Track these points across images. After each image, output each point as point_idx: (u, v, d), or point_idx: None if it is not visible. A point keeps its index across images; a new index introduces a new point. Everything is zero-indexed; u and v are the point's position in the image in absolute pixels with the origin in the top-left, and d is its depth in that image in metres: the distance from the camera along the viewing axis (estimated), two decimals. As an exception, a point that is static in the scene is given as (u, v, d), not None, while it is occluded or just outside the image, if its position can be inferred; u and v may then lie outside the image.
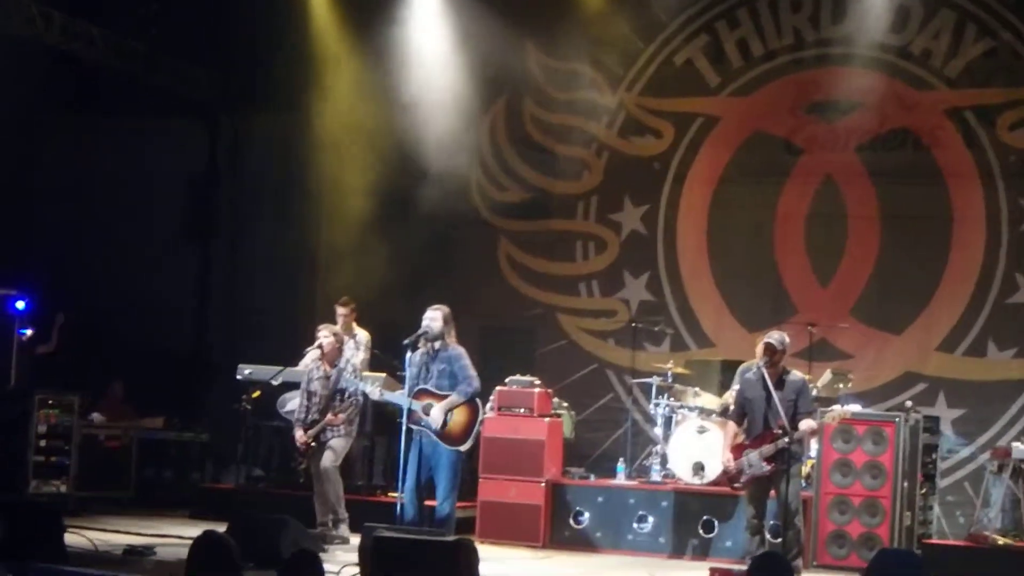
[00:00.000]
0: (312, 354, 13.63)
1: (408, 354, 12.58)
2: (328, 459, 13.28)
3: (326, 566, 11.29)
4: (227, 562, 5.87)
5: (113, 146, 18.21)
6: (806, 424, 12.00)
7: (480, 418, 12.83)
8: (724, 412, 13.76)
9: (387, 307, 15.47)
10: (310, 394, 13.39)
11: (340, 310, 14.55)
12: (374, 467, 14.88)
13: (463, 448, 12.68)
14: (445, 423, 12.46)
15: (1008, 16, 15.42)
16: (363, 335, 14.63)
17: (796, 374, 12.34)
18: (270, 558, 10.18)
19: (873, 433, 13.04)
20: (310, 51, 16.86)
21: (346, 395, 13.22)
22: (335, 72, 16.75)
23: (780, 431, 11.88)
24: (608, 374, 16.52)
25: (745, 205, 16.36)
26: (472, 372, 12.66)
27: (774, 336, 12.20)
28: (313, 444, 13.25)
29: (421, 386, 12.56)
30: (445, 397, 12.51)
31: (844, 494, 13.04)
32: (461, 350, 12.75)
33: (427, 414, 12.44)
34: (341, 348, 13.55)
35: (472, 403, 12.64)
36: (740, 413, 12.37)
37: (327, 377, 13.30)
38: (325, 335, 13.42)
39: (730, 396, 13.66)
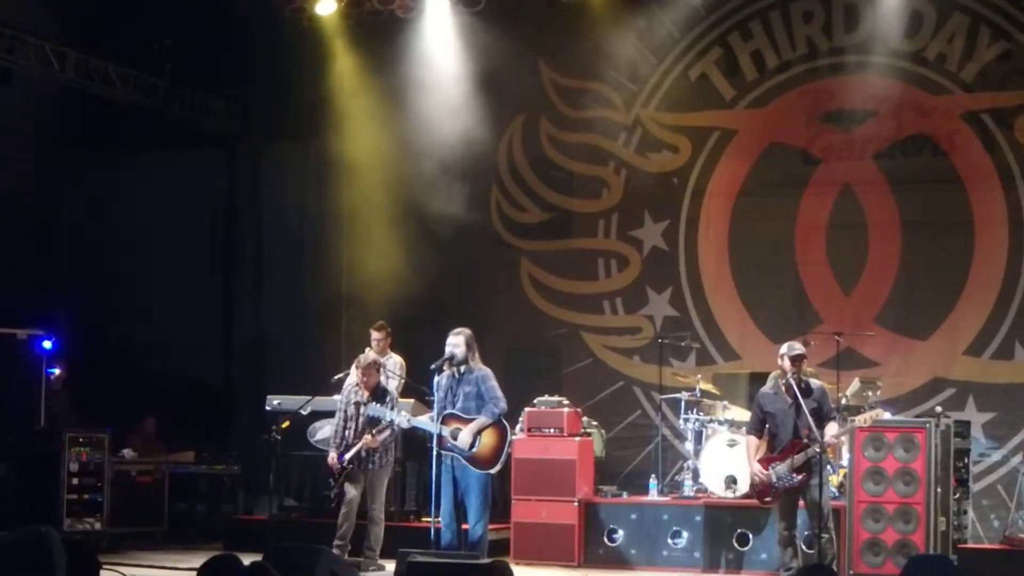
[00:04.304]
0: (352, 378, 13.52)
1: (435, 378, 12.59)
2: (376, 503, 13.23)
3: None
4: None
5: (134, 181, 18.25)
6: (832, 428, 12.10)
7: (509, 439, 12.80)
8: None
9: (411, 332, 15.49)
10: (347, 417, 13.29)
11: (375, 335, 14.34)
12: (406, 492, 14.84)
13: (493, 471, 12.68)
14: (474, 446, 12.44)
15: (1021, 18, 15.38)
16: (396, 360, 14.47)
17: (814, 381, 12.46)
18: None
19: (904, 440, 12.98)
20: (328, 80, 16.89)
21: (382, 422, 13.12)
22: (353, 101, 16.77)
23: (807, 440, 11.97)
24: (635, 391, 16.48)
25: (765, 217, 16.32)
26: (499, 393, 12.61)
27: (796, 348, 12.30)
28: (349, 467, 13.13)
29: (448, 411, 12.55)
30: (472, 420, 12.49)
31: (877, 502, 12.97)
32: (487, 371, 12.72)
33: (455, 439, 12.44)
34: (379, 370, 13.37)
35: (500, 425, 12.58)
36: (759, 427, 12.44)
37: (366, 403, 13.18)
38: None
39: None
